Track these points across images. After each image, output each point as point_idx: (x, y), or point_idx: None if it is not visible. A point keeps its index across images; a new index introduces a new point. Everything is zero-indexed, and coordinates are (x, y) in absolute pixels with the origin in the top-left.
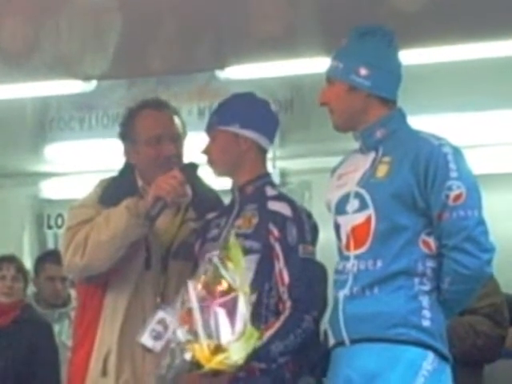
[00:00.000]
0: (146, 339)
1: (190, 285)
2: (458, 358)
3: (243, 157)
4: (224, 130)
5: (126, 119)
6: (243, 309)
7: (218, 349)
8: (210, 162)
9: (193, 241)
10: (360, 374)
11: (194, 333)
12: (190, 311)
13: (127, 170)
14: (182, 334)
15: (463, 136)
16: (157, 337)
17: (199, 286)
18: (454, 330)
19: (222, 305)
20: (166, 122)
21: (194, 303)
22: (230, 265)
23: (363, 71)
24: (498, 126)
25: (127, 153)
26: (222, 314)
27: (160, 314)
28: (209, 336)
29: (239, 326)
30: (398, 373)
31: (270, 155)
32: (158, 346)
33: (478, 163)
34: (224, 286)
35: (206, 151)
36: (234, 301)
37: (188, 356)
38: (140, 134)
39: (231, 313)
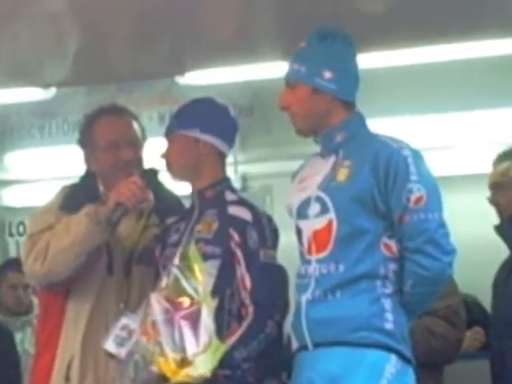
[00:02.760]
0: (110, 345)
1: (153, 297)
2: (416, 360)
3: (202, 161)
4: (184, 135)
5: (83, 126)
6: (207, 320)
7: (184, 362)
8: (169, 166)
9: (154, 246)
10: (323, 377)
11: (158, 345)
12: (154, 324)
13: (88, 177)
14: (146, 346)
15: (422, 138)
16: (121, 343)
17: (162, 299)
18: (411, 332)
19: (186, 317)
20: (124, 127)
21: (158, 316)
22: (190, 275)
23: (327, 74)
24: (458, 128)
25: (87, 160)
26: (185, 326)
27: (123, 320)
28: (174, 349)
29: (204, 338)
30: (361, 376)
31: (231, 160)
32: (122, 352)
33: (438, 165)
34: (186, 298)
35: (165, 155)
36: (197, 312)
37: (154, 369)
38: (98, 141)
39: (195, 325)
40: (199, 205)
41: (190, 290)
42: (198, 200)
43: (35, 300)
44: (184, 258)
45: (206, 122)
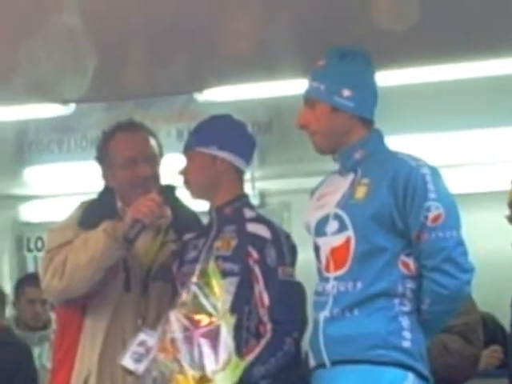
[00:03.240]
0: (128, 361)
1: (172, 314)
2: (433, 377)
3: (220, 178)
4: (202, 152)
5: (101, 143)
6: (226, 338)
7: (203, 379)
8: (187, 183)
9: (172, 262)
10: None
11: (177, 363)
12: (173, 341)
13: (107, 193)
14: (164, 363)
15: (440, 156)
16: (138, 359)
17: (181, 316)
18: (428, 348)
19: (205, 334)
20: (141, 143)
21: (177, 333)
22: (209, 292)
23: (346, 92)
24: (476, 146)
25: (105, 176)
26: (205, 343)
27: (141, 336)
28: (193, 366)
29: (223, 355)
30: None
31: (248, 176)
32: (139, 368)
33: (456, 183)
34: (205, 315)
35: (183, 172)
36: (217, 330)
37: None
38: (115, 157)
39: (214, 342)
40: (217, 222)
41: (209, 308)
42: (216, 217)
43: (53, 315)
44: (203, 274)
45: (224, 139)
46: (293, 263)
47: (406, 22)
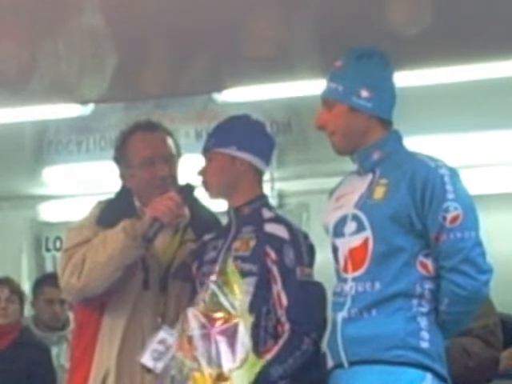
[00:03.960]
0: (147, 359)
1: (190, 312)
2: (453, 380)
3: (239, 179)
4: (221, 152)
5: (119, 143)
6: (244, 336)
7: (220, 377)
8: (205, 184)
9: (192, 261)
10: None
11: (195, 360)
12: (190, 339)
13: (124, 192)
14: (182, 361)
15: (459, 156)
16: (158, 357)
17: (199, 314)
18: (447, 351)
19: (222, 332)
20: (158, 143)
21: (195, 331)
22: (228, 291)
23: (364, 93)
24: (495, 147)
25: (122, 176)
26: (222, 341)
27: (161, 335)
28: (210, 364)
29: (240, 353)
30: None
31: (267, 177)
32: (158, 366)
33: (474, 184)
34: (223, 313)
35: (202, 173)
36: (234, 328)
37: None
38: (133, 157)
39: (232, 340)
40: (236, 222)
41: (227, 306)
42: (234, 217)
43: (71, 315)
44: (222, 274)
45: (243, 140)
46: (311, 263)
47: (423, 23)
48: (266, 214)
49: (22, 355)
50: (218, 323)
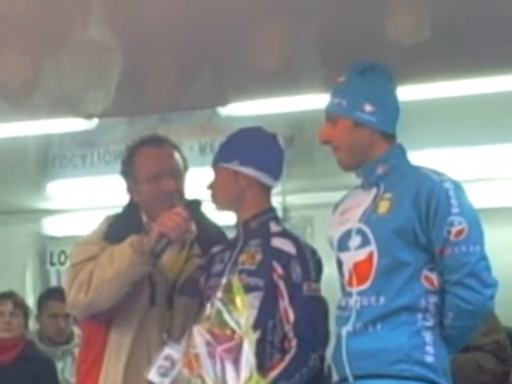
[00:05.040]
0: (154, 376)
1: (196, 330)
2: None
3: (244, 193)
4: (224, 167)
5: (125, 158)
6: (248, 355)
7: None
8: (213, 198)
9: (198, 277)
10: None
11: (200, 378)
12: (197, 356)
13: (132, 207)
14: (189, 379)
15: (463, 170)
16: (164, 373)
17: (204, 331)
18: (461, 367)
19: (227, 350)
20: (165, 158)
21: (201, 348)
22: (233, 308)
23: (368, 107)
24: (499, 160)
25: (129, 190)
26: (227, 359)
27: (167, 351)
28: (215, 382)
29: (245, 372)
30: None
31: (279, 189)
32: (165, 382)
33: (479, 197)
34: (228, 331)
35: (210, 187)
36: (239, 346)
37: None
38: (140, 172)
39: (236, 358)
40: (243, 235)
41: (232, 324)
42: (242, 230)
43: (76, 329)
44: (227, 290)
45: (246, 154)
46: (318, 278)
47: (426, 37)
48: (274, 227)
49: (26, 369)
50: (223, 341)
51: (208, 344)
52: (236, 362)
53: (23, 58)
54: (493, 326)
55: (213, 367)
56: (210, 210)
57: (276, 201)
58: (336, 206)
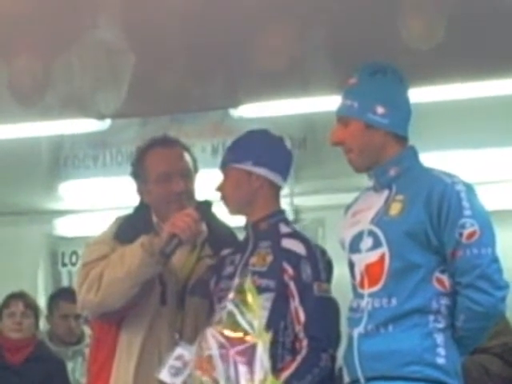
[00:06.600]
0: (165, 375)
1: (208, 332)
2: None
3: (255, 194)
4: (237, 168)
5: (136, 159)
6: (262, 356)
7: None
8: (224, 199)
9: (209, 277)
10: None
11: (214, 380)
12: (209, 358)
13: (142, 207)
14: (201, 381)
15: (474, 172)
16: (175, 373)
17: (217, 333)
18: (467, 370)
19: (241, 353)
20: (175, 158)
21: (214, 350)
22: (246, 310)
23: (380, 109)
24: (511, 162)
25: (140, 191)
26: (240, 362)
27: (178, 350)
28: None
29: (259, 374)
30: None
31: (287, 191)
32: (176, 382)
33: (490, 200)
34: (241, 333)
35: (220, 188)
36: (253, 348)
37: None
38: (150, 173)
39: (250, 361)
40: (253, 237)
41: (245, 325)
42: (252, 232)
43: (86, 330)
44: (239, 291)
45: (259, 155)
46: (329, 279)
47: (438, 39)
48: (284, 229)
49: (37, 369)
50: (237, 343)
51: (221, 346)
52: (250, 364)
53: (36, 58)
54: (502, 328)
55: (226, 369)
56: (220, 211)
57: (288, 202)
58: (348, 207)
